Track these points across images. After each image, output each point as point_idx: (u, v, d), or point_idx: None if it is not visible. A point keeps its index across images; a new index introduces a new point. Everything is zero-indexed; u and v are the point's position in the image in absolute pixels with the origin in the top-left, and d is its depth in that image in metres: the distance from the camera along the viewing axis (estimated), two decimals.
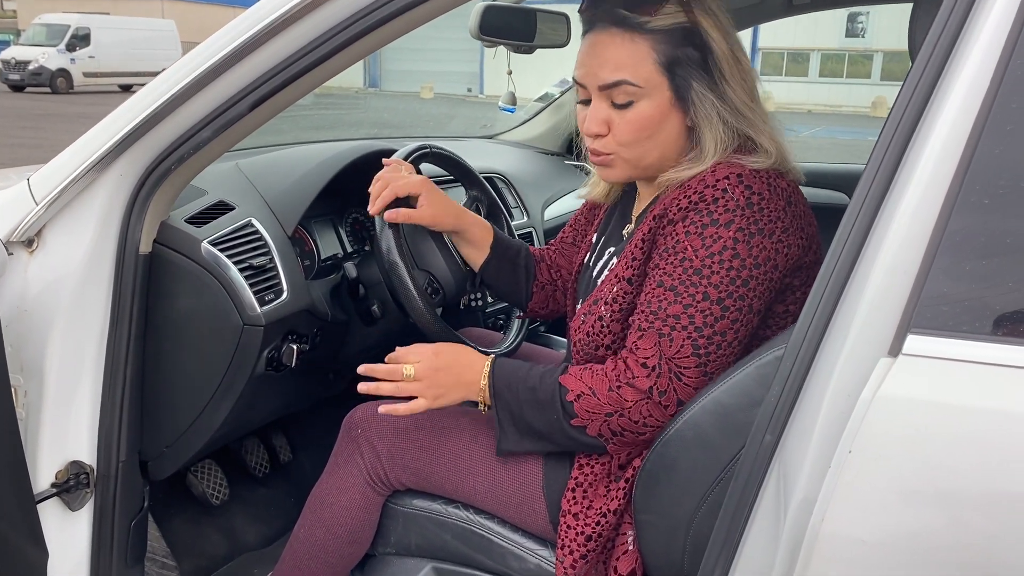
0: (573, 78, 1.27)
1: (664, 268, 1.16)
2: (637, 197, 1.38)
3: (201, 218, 1.49)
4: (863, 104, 21.95)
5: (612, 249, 1.36)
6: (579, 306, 1.41)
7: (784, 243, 1.17)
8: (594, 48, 1.22)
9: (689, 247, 1.14)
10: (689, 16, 1.18)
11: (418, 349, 1.29)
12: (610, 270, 1.30)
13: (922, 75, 0.85)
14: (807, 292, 1.24)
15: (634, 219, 1.36)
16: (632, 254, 1.23)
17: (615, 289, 1.24)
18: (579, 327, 1.30)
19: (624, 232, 1.37)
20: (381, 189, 1.42)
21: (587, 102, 1.26)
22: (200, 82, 1.22)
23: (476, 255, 1.57)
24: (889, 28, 23.55)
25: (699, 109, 1.20)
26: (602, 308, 1.25)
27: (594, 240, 1.47)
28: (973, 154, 0.81)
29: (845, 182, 2.50)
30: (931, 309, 0.81)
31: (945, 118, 0.82)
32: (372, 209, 1.43)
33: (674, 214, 1.17)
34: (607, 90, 1.21)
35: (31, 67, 20.71)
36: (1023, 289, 0.80)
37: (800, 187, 1.25)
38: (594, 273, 1.38)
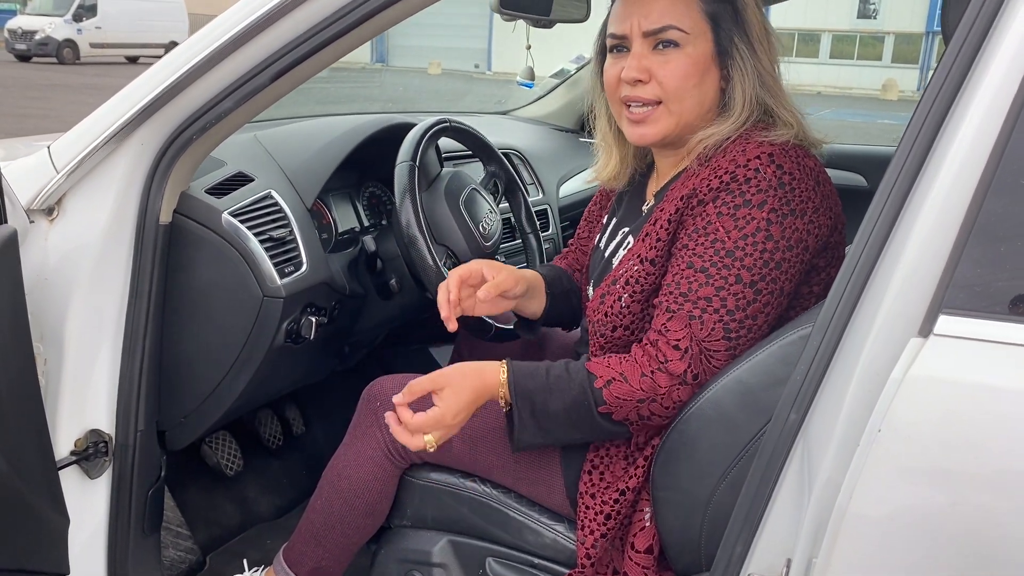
0: (608, 34, 1.26)
1: (694, 249, 1.15)
2: (654, 174, 1.37)
3: (221, 189, 1.49)
4: (873, 86, 21.76)
5: (627, 229, 1.34)
6: (591, 288, 1.40)
7: (815, 223, 1.16)
8: None
9: (721, 228, 1.13)
10: None
11: (428, 416, 1.17)
12: (628, 250, 1.28)
13: (957, 55, 0.84)
14: (832, 273, 1.24)
15: (652, 196, 1.34)
16: (656, 235, 1.21)
17: (635, 270, 1.22)
18: (597, 308, 1.28)
19: (643, 208, 1.35)
20: (446, 294, 1.32)
21: (620, 55, 1.25)
22: (223, 52, 1.21)
23: (538, 304, 1.49)
24: (901, 10, 23.31)
25: (736, 64, 1.21)
26: (620, 288, 1.24)
27: (605, 221, 1.45)
28: (1010, 135, 0.80)
29: (862, 163, 2.48)
30: (964, 290, 0.81)
31: (981, 99, 0.81)
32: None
33: (704, 194, 1.16)
34: (651, 36, 1.21)
35: (37, 37, 20.52)
36: None
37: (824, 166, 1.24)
38: (606, 254, 1.37)
